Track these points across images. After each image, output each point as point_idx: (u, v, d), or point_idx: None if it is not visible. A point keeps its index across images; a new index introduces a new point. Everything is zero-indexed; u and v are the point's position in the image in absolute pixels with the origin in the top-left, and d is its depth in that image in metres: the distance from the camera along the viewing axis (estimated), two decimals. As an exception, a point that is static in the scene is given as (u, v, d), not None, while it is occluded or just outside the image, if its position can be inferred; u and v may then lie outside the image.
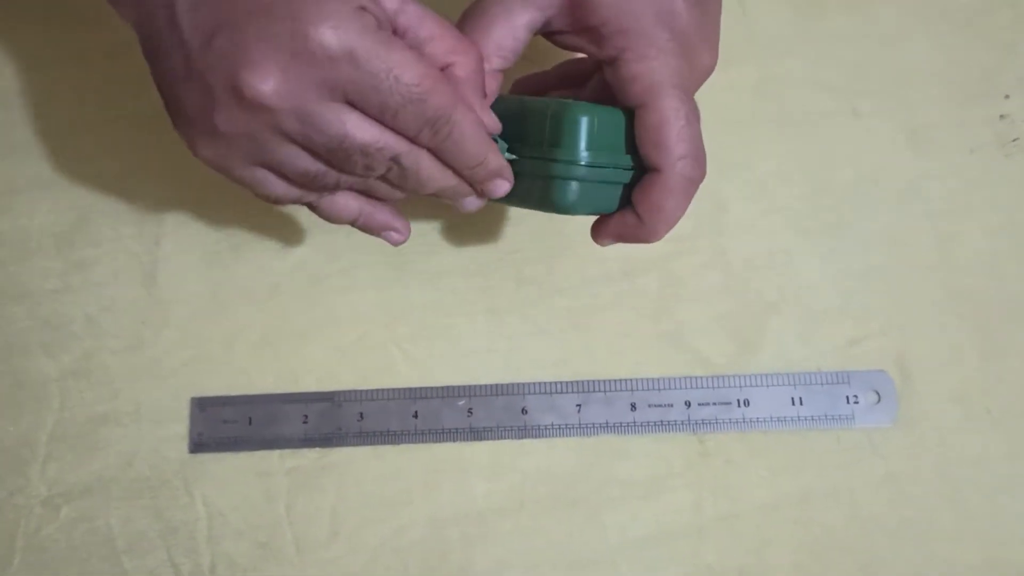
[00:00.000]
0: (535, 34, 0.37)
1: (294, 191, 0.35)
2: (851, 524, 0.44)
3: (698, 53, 0.36)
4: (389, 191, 0.36)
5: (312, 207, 0.36)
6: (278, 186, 0.34)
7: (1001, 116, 0.49)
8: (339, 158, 0.32)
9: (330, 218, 0.37)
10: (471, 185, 0.36)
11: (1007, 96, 0.49)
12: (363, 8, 0.31)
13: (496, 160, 0.35)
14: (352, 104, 0.31)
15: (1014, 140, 0.48)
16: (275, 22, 0.30)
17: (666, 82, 0.34)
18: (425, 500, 0.44)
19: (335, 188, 0.35)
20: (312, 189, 0.35)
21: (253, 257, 0.47)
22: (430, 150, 0.34)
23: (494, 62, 0.36)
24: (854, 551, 0.44)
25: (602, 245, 0.38)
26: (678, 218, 0.36)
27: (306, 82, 0.30)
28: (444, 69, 0.34)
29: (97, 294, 0.46)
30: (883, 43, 0.49)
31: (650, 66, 0.34)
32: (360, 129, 0.32)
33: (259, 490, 0.44)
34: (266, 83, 0.30)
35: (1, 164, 0.47)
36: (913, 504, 0.44)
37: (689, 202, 0.36)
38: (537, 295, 0.46)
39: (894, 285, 0.47)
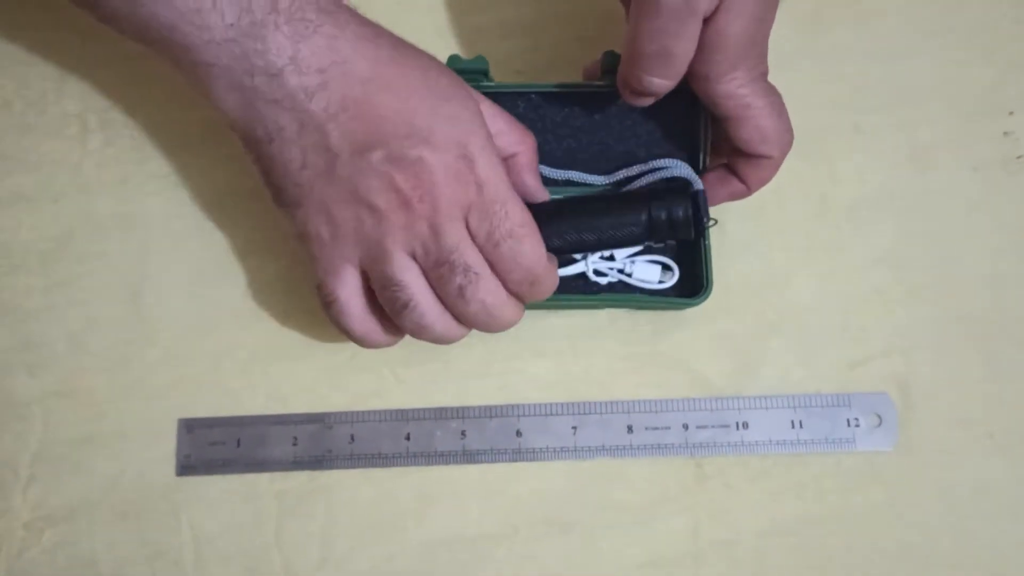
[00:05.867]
0: None
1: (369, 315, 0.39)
2: (851, 550, 0.43)
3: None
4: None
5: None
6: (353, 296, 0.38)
7: (1005, 133, 0.48)
8: (439, 273, 0.36)
9: (445, 335, 0.39)
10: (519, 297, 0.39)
11: (1011, 113, 0.48)
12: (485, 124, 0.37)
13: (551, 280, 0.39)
14: (467, 223, 0.36)
15: (1018, 157, 0.47)
16: (434, 137, 0.35)
17: (759, 91, 0.38)
18: (417, 525, 0.43)
19: (401, 310, 0.37)
20: (386, 303, 0.37)
21: (241, 275, 0.46)
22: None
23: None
24: (854, 578, 0.43)
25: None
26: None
27: (447, 196, 0.35)
28: (509, 158, 0.40)
29: (82, 312, 0.45)
30: (885, 59, 0.49)
31: (739, 82, 0.38)
32: (469, 248, 0.36)
33: (247, 514, 0.43)
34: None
35: (-16, 178, 0.46)
36: (914, 530, 0.43)
37: None
38: (531, 315, 0.45)
39: (896, 306, 0.46)
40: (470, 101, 0.37)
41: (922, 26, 0.49)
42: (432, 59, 0.37)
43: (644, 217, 0.40)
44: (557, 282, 0.39)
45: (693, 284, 0.44)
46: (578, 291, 0.45)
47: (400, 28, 0.50)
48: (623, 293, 0.45)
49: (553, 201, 0.42)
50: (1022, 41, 0.49)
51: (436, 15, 0.50)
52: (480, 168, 0.35)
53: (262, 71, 0.33)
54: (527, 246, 0.36)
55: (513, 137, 0.40)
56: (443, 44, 0.49)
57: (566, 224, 0.40)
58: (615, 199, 0.41)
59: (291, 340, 0.45)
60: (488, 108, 0.38)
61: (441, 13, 0.50)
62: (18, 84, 0.48)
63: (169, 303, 0.45)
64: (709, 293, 0.43)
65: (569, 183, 0.45)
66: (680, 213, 0.40)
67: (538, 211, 0.38)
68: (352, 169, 0.35)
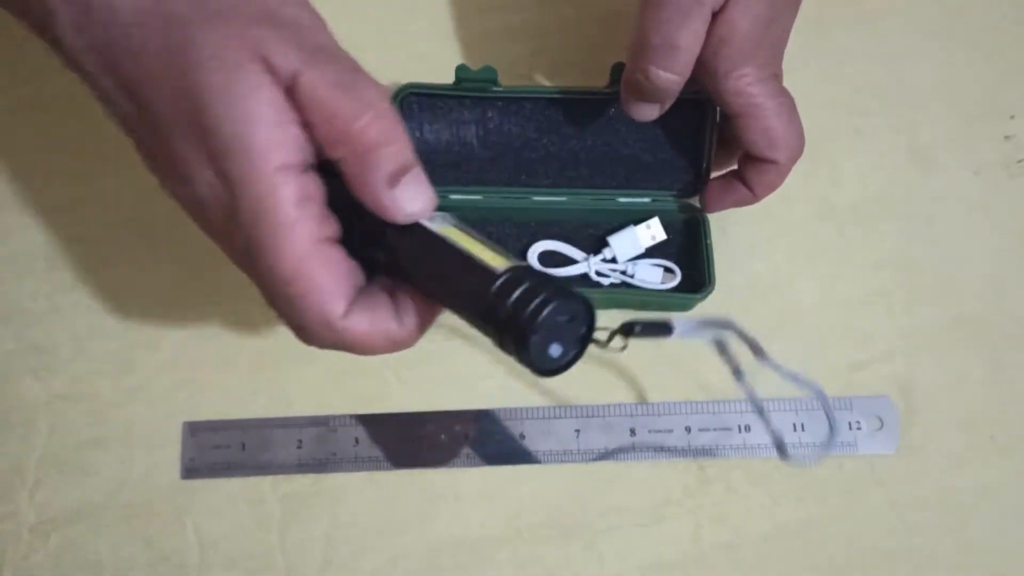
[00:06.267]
0: None
1: None
2: (853, 553, 0.43)
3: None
4: None
5: None
6: None
7: (1006, 137, 0.48)
8: None
9: None
10: None
11: (1012, 116, 0.48)
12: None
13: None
14: None
15: (1019, 161, 0.48)
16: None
17: (768, 91, 0.38)
18: (420, 528, 0.43)
19: None
20: None
21: (244, 280, 0.46)
22: None
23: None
24: (856, 580, 0.43)
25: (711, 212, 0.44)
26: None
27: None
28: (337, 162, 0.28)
29: (86, 317, 0.45)
30: (887, 62, 0.49)
31: (748, 79, 0.37)
32: None
33: (251, 517, 0.43)
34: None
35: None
36: (916, 532, 0.43)
37: None
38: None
39: (898, 309, 0.46)
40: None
41: (923, 29, 0.49)
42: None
43: (492, 289, 0.27)
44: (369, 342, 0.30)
45: (695, 287, 0.44)
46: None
47: (407, 33, 0.51)
48: (626, 290, 0.45)
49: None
50: (1022, 45, 0.49)
51: (443, 21, 0.50)
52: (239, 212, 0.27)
53: None
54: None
55: (333, 131, 0.27)
56: (450, 49, 0.49)
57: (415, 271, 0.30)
58: (472, 260, 0.29)
59: (294, 344, 0.45)
60: (312, 79, 0.27)
61: (448, 19, 0.50)
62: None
63: (173, 308, 0.45)
64: (712, 289, 0.43)
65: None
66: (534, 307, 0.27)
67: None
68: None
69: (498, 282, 0.27)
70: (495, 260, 0.28)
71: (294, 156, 0.27)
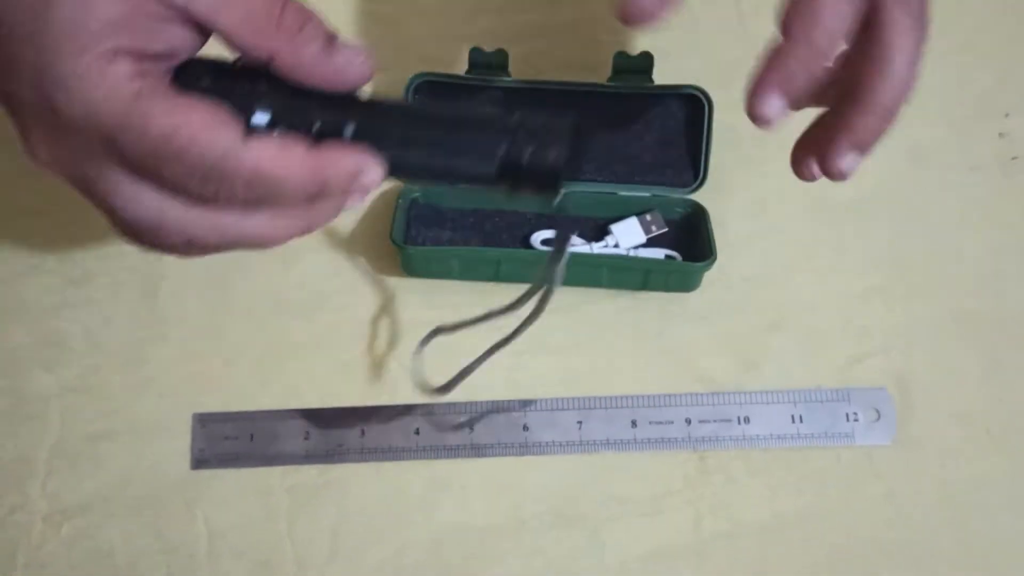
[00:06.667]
0: None
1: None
2: (851, 542, 0.44)
3: None
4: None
5: None
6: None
7: (1001, 134, 0.49)
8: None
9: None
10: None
11: (1007, 115, 0.49)
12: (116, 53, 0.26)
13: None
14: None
15: (1013, 158, 0.48)
16: (24, 85, 0.26)
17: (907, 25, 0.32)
18: (426, 517, 0.44)
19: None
20: None
21: (254, 273, 0.47)
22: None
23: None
24: (854, 569, 0.44)
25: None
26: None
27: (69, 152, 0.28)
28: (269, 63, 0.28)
29: (97, 310, 0.46)
30: (884, 60, 0.50)
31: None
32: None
33: (260, 508, 0.44)
34: (39, 154, 0.28)
35: (2, 177, 0.47)
36: (913, 523, 0.44)
37: None
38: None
39: (894, 303, 0.47)
40: None
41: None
42: None
43: (501, 150, 0.28)
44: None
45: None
46: (580, 263, 0.45)
47: (416, 32, 0.52)
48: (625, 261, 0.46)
49: (376, 101, 0.30)
50: (1018, 45, 0.50)
51: (452, 19, 0.51)
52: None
53: None
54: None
55: (251, 28, 0.27)
56: (458, 47, 0.50)
57: (391, 134, 0.29)
58: (467, 117, 0.30)
59: (303, 337, 0.46)
60: None
61: (456, 17, 0.51)
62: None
63: (183, 301, 0.46)
64: (714, 258, 0.44)
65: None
66: (552, 156, 0.28)
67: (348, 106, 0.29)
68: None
69: (512, 117, 0.28)
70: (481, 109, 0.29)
71: (130, 43, 0.26)
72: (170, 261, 0.46)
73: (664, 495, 0.44)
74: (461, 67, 0.47)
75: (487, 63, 0.45)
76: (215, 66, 0.29)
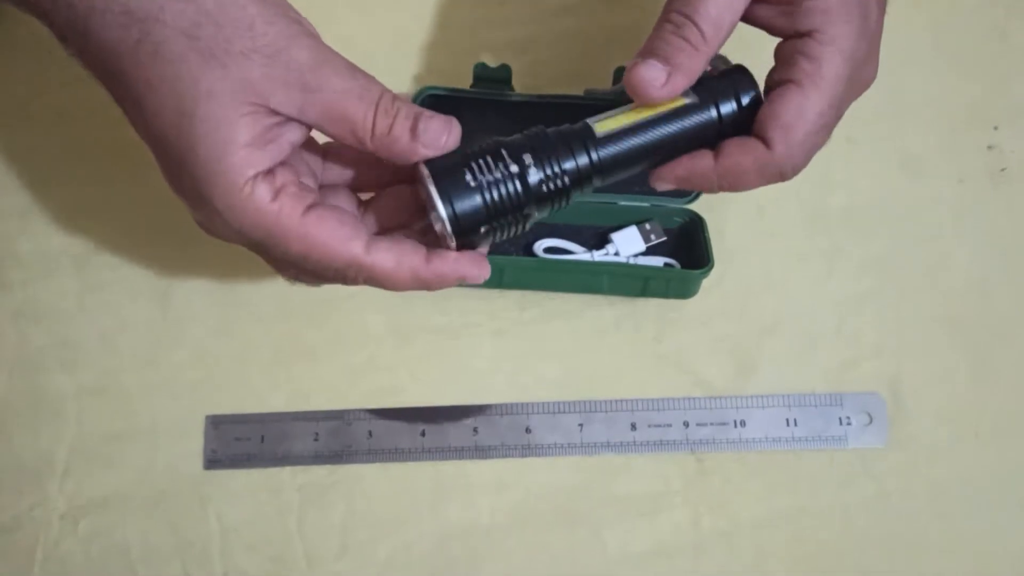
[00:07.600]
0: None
1: None
2: (844, 541, 0.45)
3: (869, 62, 0.37)
4: None
5: None
6: None
7: (989, 146, 0.50)
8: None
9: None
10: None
11: (996, 127, 0.50)
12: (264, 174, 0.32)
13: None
14: None
15: (1002, 170, 0.50)
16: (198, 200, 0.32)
17: (840, 75, 0.35)
18: (432, 516, 0.45)
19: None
20: None
21: (265, 279, 0.48)
22: None
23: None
24: (847, 567, 0.45)
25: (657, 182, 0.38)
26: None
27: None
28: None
29: (113, 314, 0.47)
30: (879, 74, 0.51)
31: (832, 52, 0.34)
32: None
33: (271, 505, 0.45)
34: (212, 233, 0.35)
35: (20, 186, 0.49)
36: (904, 522, 0.46)
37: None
38: (541, 318, 0.48)
39: (886, 309, 0.48)
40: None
41: (912, 42, 0.52)
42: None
43: (714, 116, 0.35)
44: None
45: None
46: (582, 270, 0.47)
47: (417, 46, 0.53)
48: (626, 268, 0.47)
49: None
50: (1006, 59, 0.51)
51: (452, 34, 0.52)
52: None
53: None
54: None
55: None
56: (459, 61, 0.51)
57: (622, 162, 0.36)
58: (673, 119, 0.35)
59: (312, 341, 0.47)
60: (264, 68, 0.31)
61: (456, 32, 0.52)
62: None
63: (196, 306, 0.47)
64: (712, 265, 0.45)
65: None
66: (749, 98, 0.36)
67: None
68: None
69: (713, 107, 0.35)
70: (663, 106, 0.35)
71: (264, 164, 0.31)
72: (183, 269, 0.48)
73: (663, 495, 0.46)
74: (461, 80, 0.48)
75: (491, 77, 0.46)
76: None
